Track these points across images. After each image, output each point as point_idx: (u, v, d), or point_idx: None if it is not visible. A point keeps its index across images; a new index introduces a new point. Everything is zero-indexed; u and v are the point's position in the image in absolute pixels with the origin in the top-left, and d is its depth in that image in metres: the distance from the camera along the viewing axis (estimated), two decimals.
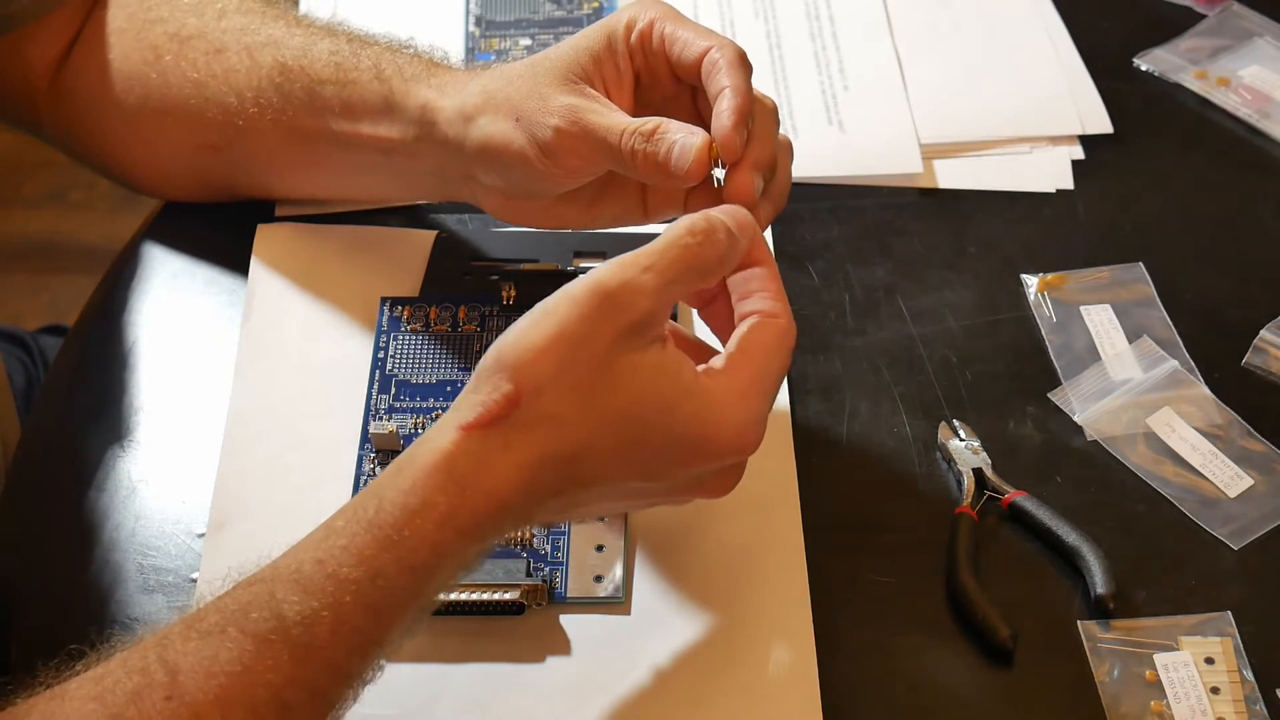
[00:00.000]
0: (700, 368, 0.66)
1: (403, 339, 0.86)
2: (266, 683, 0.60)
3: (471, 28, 1.07)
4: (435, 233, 0.92)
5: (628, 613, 0.76)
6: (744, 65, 0.72)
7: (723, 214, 0.68)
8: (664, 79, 0.75)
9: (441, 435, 0.63)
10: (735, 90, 0.71)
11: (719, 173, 0.73)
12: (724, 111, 0.71)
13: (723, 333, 0.71)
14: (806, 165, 0.96)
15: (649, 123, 0.72)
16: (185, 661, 0.60)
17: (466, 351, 0.85)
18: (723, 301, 0.71)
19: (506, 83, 0.76)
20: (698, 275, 0.66)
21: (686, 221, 0.66)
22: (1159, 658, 0.75)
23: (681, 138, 0.71)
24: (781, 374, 0.68)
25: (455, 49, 1.05)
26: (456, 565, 0.64)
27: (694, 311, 0.75)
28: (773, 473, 0.81)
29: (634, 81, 0.76)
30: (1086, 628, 0.76)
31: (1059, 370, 0.87)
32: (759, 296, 0.68)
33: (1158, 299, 0.91)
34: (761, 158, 0.73)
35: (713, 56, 0.72)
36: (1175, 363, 0.87)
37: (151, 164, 0.91)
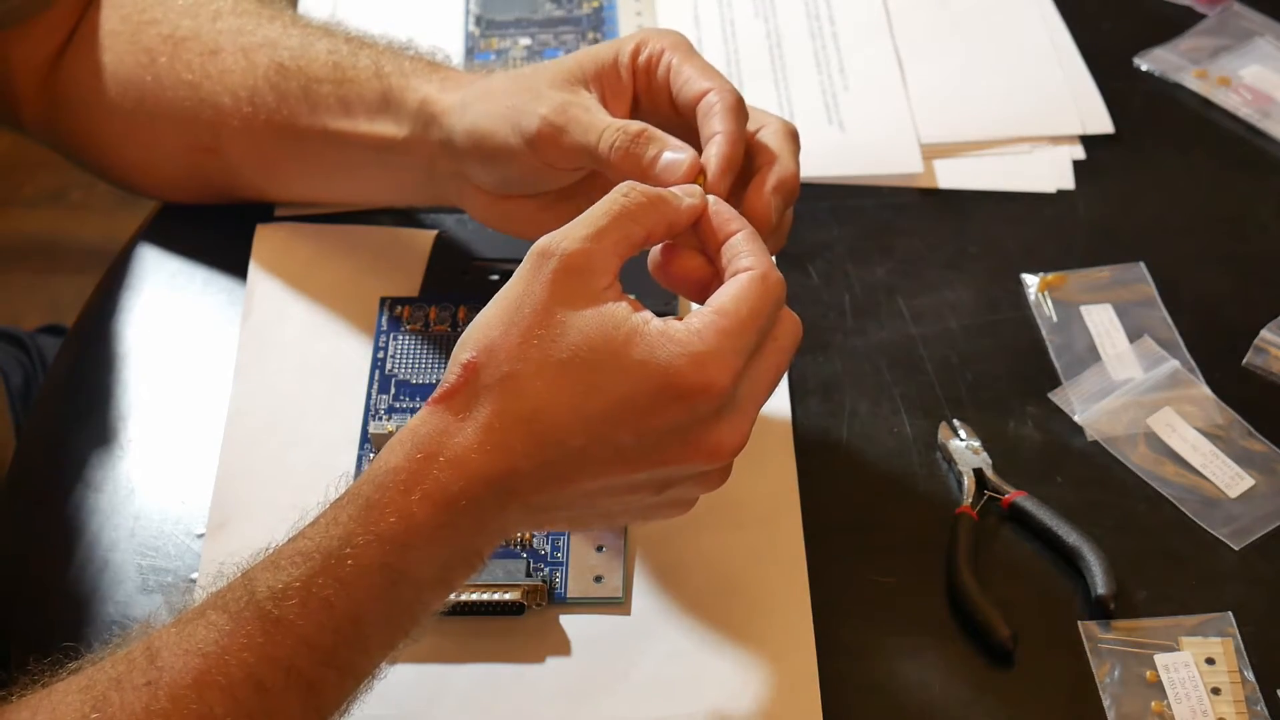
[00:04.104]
0: None
1: (402, 339, 0.86)
2: (241, 661, 0.60)
3: (471, 27, 1.07)
4: (435, 233, 0.92)
5: (628, 613, 0.76)
6: (739, 112, 0.72)
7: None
8: (664, 107, 0.76)
9: (415, 417, 0.64)
10: (726, 137, 0.71)
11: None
12: (711, 158, 0.71)
13: None
14: (807, 165, 0.96)
15: (634, 124, 0.72)
16: (165, 645, 0.60)
17: None
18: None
19: (508, 80, 0.77)
20: (630, 221, 0.65)
21: (621, 185, 0.67)
22: (1159, 658, 0.75)
23: (670, 150, 0.71)
24: (755, 317, 0.64)
25: (455, 49, 1.05)
26: (438, 547, 0.62)
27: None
28: (773, 473, 0.81)
29: (633, 100, 0.76)
30: (1087, 628, 0.76)
31: (1059, 370, 0.87)
32: (737, 257, 0.67)
33: (1158, 299, 0.91)
34: (785, 180, 0.73)
35: (710, 100, 0.73)
36: (1176, 362, 0.87)
37: (146, 166, 0.91)
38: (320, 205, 0.93)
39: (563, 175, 0.77)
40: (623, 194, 0.66)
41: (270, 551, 0.63)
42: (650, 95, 0.76)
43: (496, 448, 0.62)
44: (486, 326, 0.64)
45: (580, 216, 0.65)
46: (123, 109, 0.87)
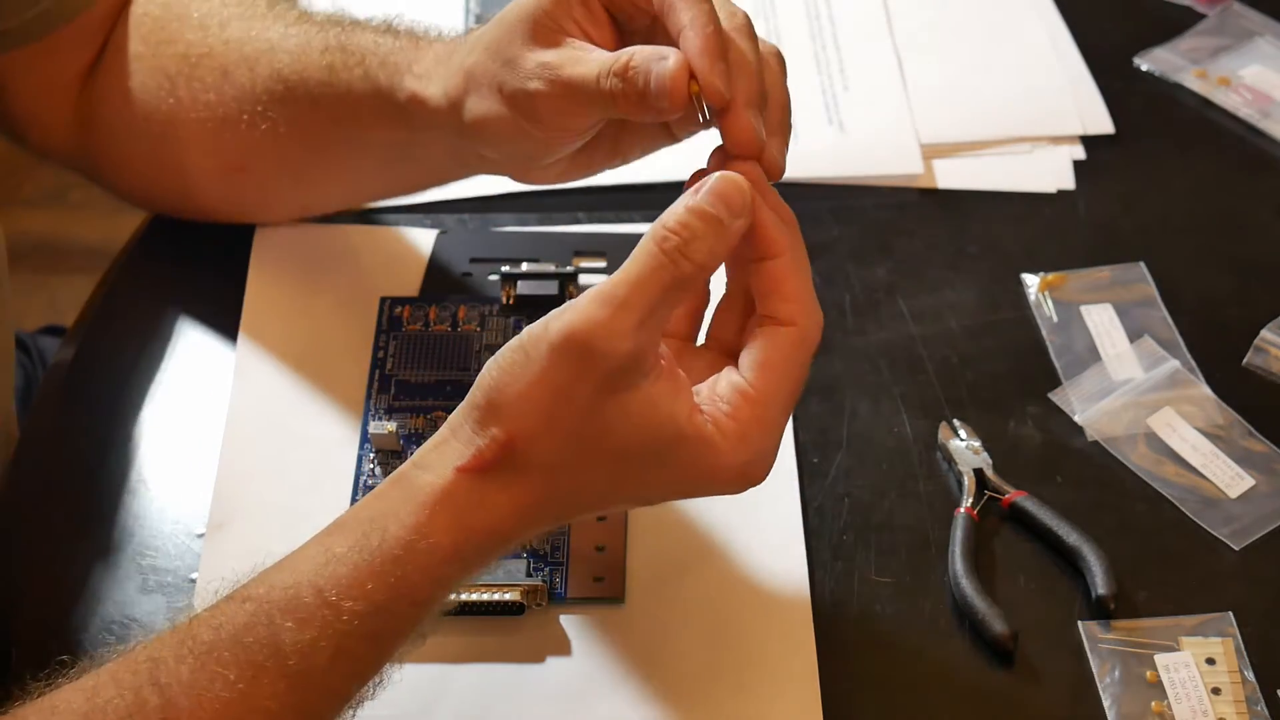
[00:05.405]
0: (703, 395, 0.63)
1: (402, 339, 0.86)
2: (264, 709, 0.59)
3: (472, 26, 1.07)
4: (435, 232, 0.92)
5: (628, 613, 0.76)
6: None
7: (707, 199, 0.61)
8: (634, 13, 0.69)
9: (441, 467, 0.62)
10: (696, 28, 0.64)
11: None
12: (694, 55, 0.63)
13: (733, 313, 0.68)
14: (806, 165, 0.96)
15: (620, 58, 0.65)
16: (179, 686, 0.59)
17: (466, 351, 0.85)
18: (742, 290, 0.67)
19: (482, 52, 0.71)
20: (681, 290, 0.61)
21: (658, 232, 0.61)
22: (1160, 658, 0.75)
23: (655, 67, 0.63)
24: (797, 388, 0.64)
25: None
26: (456, 589, 0.65)
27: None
28: (773, 473, 0.80)
29: (609, 17, 0.69)
30: (1087, 628, 0.76)
31: (1059, 370, 0.87)
32: (775, 297, 0.64)
33: (1159, 299, 0.91)
34: (749, 90, 0.65)
35: None
36: (1176, 362, 0.87)
37: (182, 191, 0.89)
38: (364, 204, 0.92)
39: (584, 132, 0.71)
40: (670, 259, 0.60)
41: (290, 594, 0.61)
42: (618, 6, 0.69)
43: (529, 520, 0.63)
44: (523, 407, 0.61)
45: (625, 287, 0.60)
46: (150, 134, 0.85)
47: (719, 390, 0.63)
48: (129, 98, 0.85)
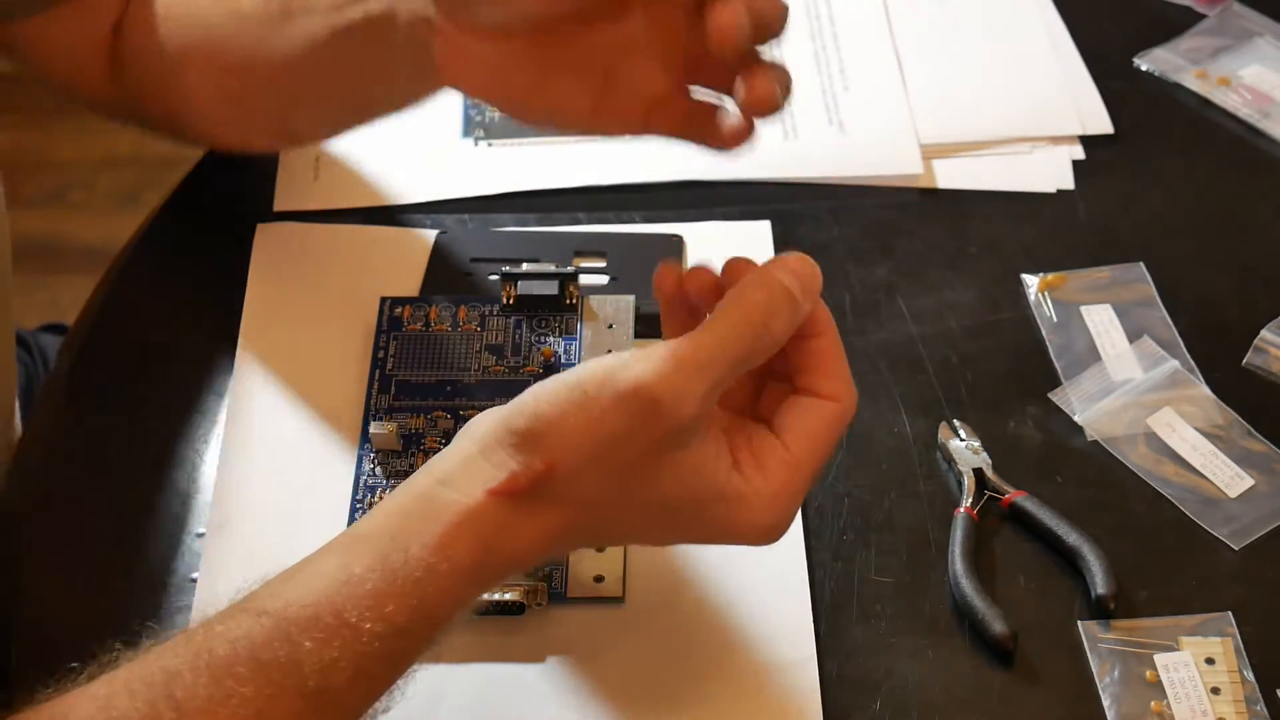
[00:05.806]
0: (740, 455, 0.63)
1: (403, 339, 0.86)
2: None
3: None
4: (436, 232, 0.92)
5: (628, 613, 0.76)
6: None
7: (789, 277, 0.62)
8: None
9: (469, 486, 0.61)
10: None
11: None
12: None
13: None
14: (806, 165, 0.96)
15: None
16: (195, 702, 0.58)
17: (467, 351, 0.85)
18: None
19: None
20: (749, 364, 0.62)
21: (743, 309, 0.61)
22: (1159, 658, 0.75)
23: None
24: (828, 458, 0.65)
25: None
26: (471, 606, 0.65)
27: None
28: None
29: None
30: (1087, 628, 0.76)
31: (1059, 370, 0.87)
32: (818, 373, 0.64)
33: (1158, 299, 0.91)
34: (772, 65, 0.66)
35: None
36: (1176, 363, 0.87)
37: (194, 105, 0.87)
38: (328, 120, 0.89)
39: None
40: (754, 334, 0.61)
41: (309, 613, 0.60)
42: None
43: (552, 545, 0.63)
44: (573, 444, 0.60)
45: (705, 350, 0.60)
46: (168, 51, 0.84)
47: (755, 452, 0.64)
48: (153, 22, 0.84)
